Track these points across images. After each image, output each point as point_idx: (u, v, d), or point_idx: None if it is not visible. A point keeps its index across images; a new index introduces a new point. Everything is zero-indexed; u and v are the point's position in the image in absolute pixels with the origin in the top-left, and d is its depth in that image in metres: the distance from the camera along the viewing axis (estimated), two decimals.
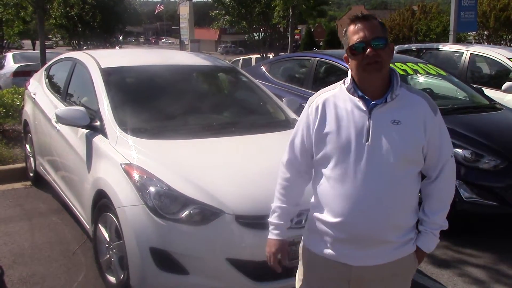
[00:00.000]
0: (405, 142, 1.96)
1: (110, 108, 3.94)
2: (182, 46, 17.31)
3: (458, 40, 14.48)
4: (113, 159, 3.52)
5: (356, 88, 2.01)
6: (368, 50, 1.93)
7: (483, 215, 4.86)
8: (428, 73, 6.38)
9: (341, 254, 2.04)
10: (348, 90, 2.02)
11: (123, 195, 3.22)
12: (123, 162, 3.41)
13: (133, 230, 3.10)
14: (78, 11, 21.05)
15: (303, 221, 2.70)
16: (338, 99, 2.04)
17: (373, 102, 1.98)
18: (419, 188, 2.09)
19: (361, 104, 1.98)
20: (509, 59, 7.51)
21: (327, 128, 2.01)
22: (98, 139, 3.83)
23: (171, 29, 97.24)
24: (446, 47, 8.91)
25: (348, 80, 2.05)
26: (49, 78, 5.70)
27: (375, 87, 2.00)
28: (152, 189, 3.15)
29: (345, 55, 2.05)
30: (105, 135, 3.79)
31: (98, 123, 3.91)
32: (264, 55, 19.15)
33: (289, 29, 16.78)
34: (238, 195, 3.14)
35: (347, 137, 1.97)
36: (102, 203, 3.50)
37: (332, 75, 6.32)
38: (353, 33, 1.97)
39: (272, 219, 2.23)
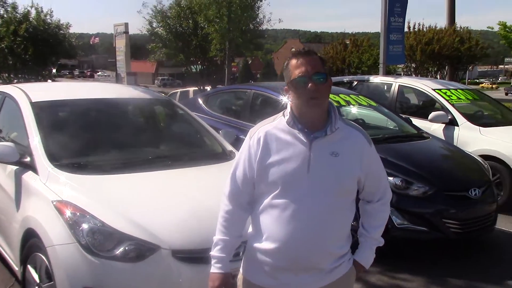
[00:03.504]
0: (342, 173, 2.05)
1: (41, 143, 3.81)
2: (118, 79, 17.09)
3: (388, 72, 15.12)
4: (44, 196, 3.40)
5: (296, 121, 2.06)
6: (310, 84, 1.99)
7: (414, 241, 5.03)
8: (359, 104, 6.63)
9: (281, 283, 2.07)
10: (288, 123, 2.07)
11: (54, 233, 3.11)
12: (55, 199, 3.30)
13: (65, 270, 2.98)
14: (8, 43, 20.33)
15: (241, 253, 2.69)
16: (278, 131, 2.08)
17: (313, 135, 2.04)
18: (353, 216, 2.16)
19: (301, 137, 2.04)
20: (434, 90, 7.92)
21: (270, 159, 2.05)
22: (28, 176, 3.69)
23: (107, 62, 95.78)
24: (377, 79, 9.29)
25: (287, 113, 2.09)
26: None
27: (315, 120, 2.06)
28: (85, 226, 3.06)
29: (286, 87, 2.10)
30: (35, 171, 3.66)
31: (28, 159, 3.77)
32: (201, 88, 19.24)
33: (226, 62, 17.01)
34: (174, 229, 3.10)
35: (289, 168, 2.02)
36: (31, 243, 3.35)
37: (269, 106, 6.44)
38: (295, 67, 2.03)
39: (215, 252, 2.19)
